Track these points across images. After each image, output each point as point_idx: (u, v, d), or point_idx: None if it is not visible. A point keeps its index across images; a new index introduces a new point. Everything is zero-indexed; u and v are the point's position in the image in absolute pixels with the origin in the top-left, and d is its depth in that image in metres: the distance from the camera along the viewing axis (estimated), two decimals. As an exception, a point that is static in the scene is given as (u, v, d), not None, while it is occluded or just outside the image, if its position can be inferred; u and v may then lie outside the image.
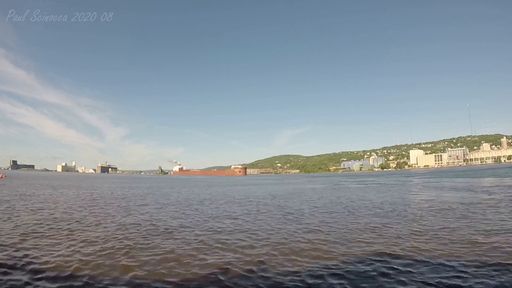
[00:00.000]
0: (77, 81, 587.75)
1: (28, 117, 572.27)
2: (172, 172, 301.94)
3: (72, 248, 7.01)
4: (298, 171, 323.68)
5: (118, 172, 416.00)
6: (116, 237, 8.15)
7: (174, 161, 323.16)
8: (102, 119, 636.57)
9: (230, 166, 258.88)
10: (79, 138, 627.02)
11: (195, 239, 8.06)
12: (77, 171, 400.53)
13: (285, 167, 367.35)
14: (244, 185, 41.77)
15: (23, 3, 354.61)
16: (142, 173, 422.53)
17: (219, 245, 7.42)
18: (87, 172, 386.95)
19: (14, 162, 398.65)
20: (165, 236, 8.46)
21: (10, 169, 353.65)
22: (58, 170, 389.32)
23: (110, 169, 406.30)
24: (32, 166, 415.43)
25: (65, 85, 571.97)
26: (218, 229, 9.45)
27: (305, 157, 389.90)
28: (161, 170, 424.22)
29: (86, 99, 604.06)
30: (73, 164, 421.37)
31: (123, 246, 7.17)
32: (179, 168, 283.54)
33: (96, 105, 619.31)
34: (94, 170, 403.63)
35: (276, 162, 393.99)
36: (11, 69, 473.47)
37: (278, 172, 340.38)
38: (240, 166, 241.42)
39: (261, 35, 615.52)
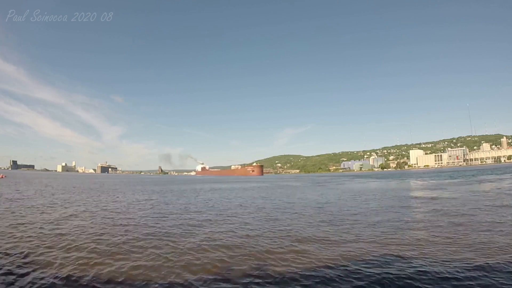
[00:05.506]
0: (72, 79, 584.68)
1: (23, 115, 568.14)
2: (193, 172, 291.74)
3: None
4: (298, 171, 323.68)
5: (118, 172, 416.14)
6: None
7: (196, 159, 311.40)
8: (98, 117, 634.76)
9: (230, 166, 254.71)
10: (75, 137, 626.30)
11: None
12: (77, 171, 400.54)
13: (285, 167, 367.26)
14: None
15: (23, 3, 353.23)
16: (142, 173, 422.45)
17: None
18: (87, 172, 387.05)
19: (14, 162, 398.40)
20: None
21: (10, 169, 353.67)
22: (58, 170, 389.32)
23: (110, 169, 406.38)
24: (32, 166, 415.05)
25: (59, 83, 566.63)
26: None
27: (305, 157, 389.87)
28: (161, 170, 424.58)
29: (81, 96, 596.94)
30: (73, 164, 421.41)
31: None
32: (202, 168, 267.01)
33: (90, 102, 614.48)
34: (94, 170, 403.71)
35: (276, 162, 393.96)
36: (3, 66, 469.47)
37: (278, 172, 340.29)
38: (255, 164, 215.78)
39: (261, 35, 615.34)
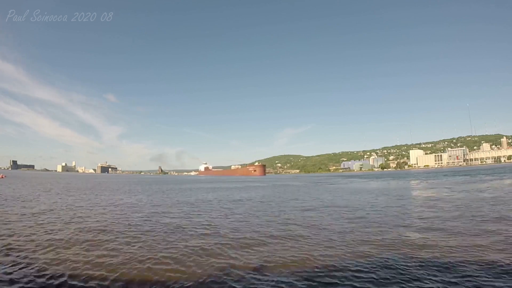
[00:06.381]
0: (72, 79, 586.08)
1: (23, 115, 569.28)
2: (194, 172, 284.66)
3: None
4: (298, 171, 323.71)
5: (118, 172, 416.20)
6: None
7: (194, 157, 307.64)
8: (98, 117, 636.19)
9: (230, 166, 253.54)
10: (75, 137, 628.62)
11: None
12: (77, 171, 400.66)
13: (285, 167, 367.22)
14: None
15: (23, 3, 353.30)
16: (142, 173, 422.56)
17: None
18: (87, 172, 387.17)
19: (14, 162, 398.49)
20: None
21: (10, 169, 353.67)
22: (58, 170, 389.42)
23: (110, 169, 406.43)
24: (32, 166, 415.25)
25: (58, 83, 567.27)
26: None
27: (305, 157, 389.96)
28: (161, 170, 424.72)
29: (81, 96, 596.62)
30: (73, 164, 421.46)
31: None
32: (205, 168, 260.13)
33: (90, 102, 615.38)
34: (94, 170, 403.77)
35: (276, 162, 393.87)
36: (3, 66, 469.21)
37: (278, 172, 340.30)
38: (257, 164, 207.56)
39: (261, 35, 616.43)
